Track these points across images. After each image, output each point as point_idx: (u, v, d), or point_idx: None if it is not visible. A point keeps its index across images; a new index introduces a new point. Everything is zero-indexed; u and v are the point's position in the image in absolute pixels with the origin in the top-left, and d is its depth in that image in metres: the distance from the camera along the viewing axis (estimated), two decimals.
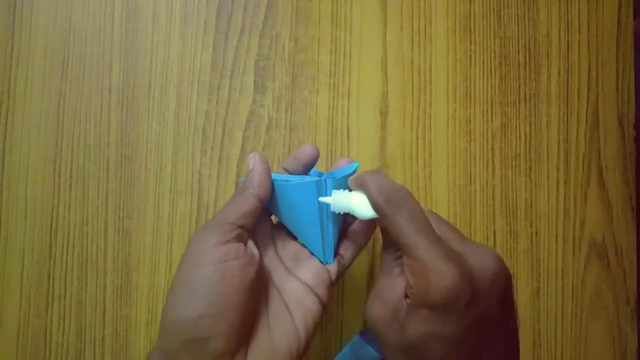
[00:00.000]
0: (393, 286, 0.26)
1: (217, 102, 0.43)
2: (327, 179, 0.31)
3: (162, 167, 0.42)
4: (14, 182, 0.41)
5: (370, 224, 0.33)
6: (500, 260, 0.25)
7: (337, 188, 0.30)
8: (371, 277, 0.43)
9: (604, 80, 0.47)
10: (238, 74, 0.43)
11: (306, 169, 0.34)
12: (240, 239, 0.28)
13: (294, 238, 0.34)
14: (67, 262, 0.41)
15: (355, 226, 0.33)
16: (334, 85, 0.44)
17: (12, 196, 0.41)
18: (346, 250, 0.33)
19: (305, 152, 0.33)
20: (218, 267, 0.27)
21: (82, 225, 0.41)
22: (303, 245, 0.33)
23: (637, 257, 0.46)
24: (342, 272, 0.33)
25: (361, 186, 0.28)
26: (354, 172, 0.32)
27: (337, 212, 0.30)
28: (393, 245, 0.28)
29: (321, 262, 0.32)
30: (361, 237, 0.33)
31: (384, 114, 0.44)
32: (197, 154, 0.42)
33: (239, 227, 0.28)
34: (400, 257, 0.27)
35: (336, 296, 0.43)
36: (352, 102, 0.44)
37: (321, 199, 0.30)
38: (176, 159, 0.42)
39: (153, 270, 0.41)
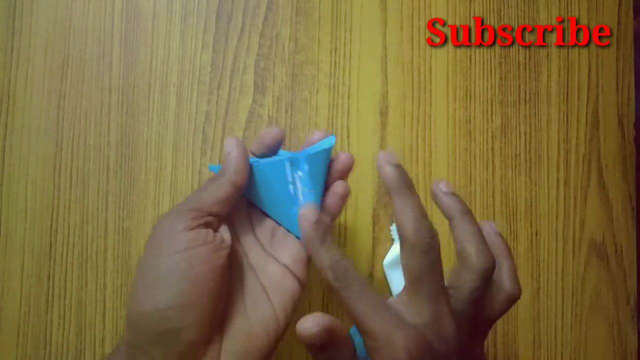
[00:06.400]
0: None
1: (217, 102, 0.43)
2: (300, 157, 0.30)
3: (162, 167, 0.42)
4: (14, 182, 0.41)
5: (344, 194, 0.31)
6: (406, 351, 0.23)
7: (313, 164, 0.30)
8: (371, 277, 0.43)
9: (604, 80, 0.47)
10: (238, 74, 0.43)
11: (271, 152, 0.33)
12: (208, 225, 0.27)
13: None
14: (67, 262, 0.41)
15: (328, 198, 0.31)
16: (334, 85, 0.44)
17: (12, 196, 0.41)
18: None
19: (269, 135, 0.32)
20: (185, 254, 0.26)
21: (82, 225, 0.41)
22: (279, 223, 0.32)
23: (637, 257, 0.46)
24: None
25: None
26: (330, 147, 0.31)
27: None
28: None
29: (300, 239, 0.31)
30: (335, 207, 0.31)
31: (384, 114, 0.44)
32: (197, 154, 0.42)
33: (210, 214, 0.28)
34: None
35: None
36: (352, 102, 0.44)
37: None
38: (176, 159, 0.42)
39: None
